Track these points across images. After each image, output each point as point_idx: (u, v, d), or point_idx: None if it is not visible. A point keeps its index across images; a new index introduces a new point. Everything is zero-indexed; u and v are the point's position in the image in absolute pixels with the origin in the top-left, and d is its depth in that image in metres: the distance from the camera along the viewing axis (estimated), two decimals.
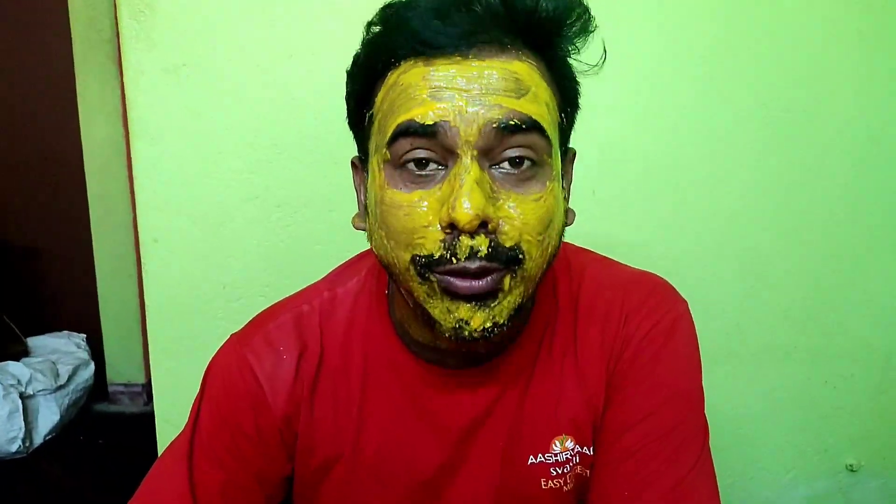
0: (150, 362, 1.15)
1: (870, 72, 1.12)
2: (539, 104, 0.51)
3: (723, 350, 1.22)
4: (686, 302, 0.66)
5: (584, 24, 0.53)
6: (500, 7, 0.50)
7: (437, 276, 0.50)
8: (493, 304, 0.50)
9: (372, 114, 0.54)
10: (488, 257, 0.49)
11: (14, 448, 2.17)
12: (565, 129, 0.57)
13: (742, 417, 1.27)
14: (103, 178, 2.35)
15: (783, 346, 1.23)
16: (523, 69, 0.51)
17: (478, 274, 0.49)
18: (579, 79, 0.57)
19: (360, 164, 0.59)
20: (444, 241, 0.49)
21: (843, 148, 1.14)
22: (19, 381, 2.18)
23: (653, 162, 1.12)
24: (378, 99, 0.53)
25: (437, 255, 0.50)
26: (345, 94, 0.58)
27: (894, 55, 1.12)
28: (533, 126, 0.50)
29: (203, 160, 1.06)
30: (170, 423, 1.14)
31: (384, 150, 0.52)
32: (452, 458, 0.62)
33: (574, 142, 0.61)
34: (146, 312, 1.14)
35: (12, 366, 2.21)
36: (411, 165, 0.51)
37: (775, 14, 1.09)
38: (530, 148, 0.51)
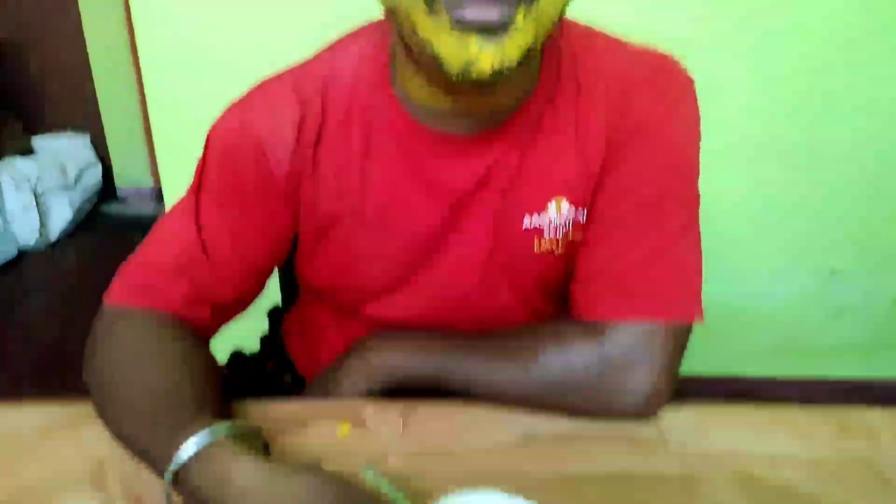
0: (155, 146, 1.16)
1: None
2: None
3: (728, 150, 1.23)
4: (692, 80, 0.65)
5: None
6: None
7: (448, 9, 0.48)
8: (504, 40, 0.49)
9: None
10: None
11: (32, 241, 2.27)
12: None
13: (736, 216, 1.31)
14: None
15: (783, 146, 1.24)
16: None
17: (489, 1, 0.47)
18: None
19: None
20: None
21: None
22: (29, 178, 2.22)
23: None
24: None
25: None
26: None
27: None
28: None
29: None
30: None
31: None
32: (448, 220, 0.64)
33: None
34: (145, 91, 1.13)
35: (20, 162, 2.23)
36: None
37: None
38: None
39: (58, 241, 2.38)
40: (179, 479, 0.49)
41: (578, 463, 0.58)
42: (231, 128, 0.63)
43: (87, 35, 2.34)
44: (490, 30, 0.48)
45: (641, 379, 0.60)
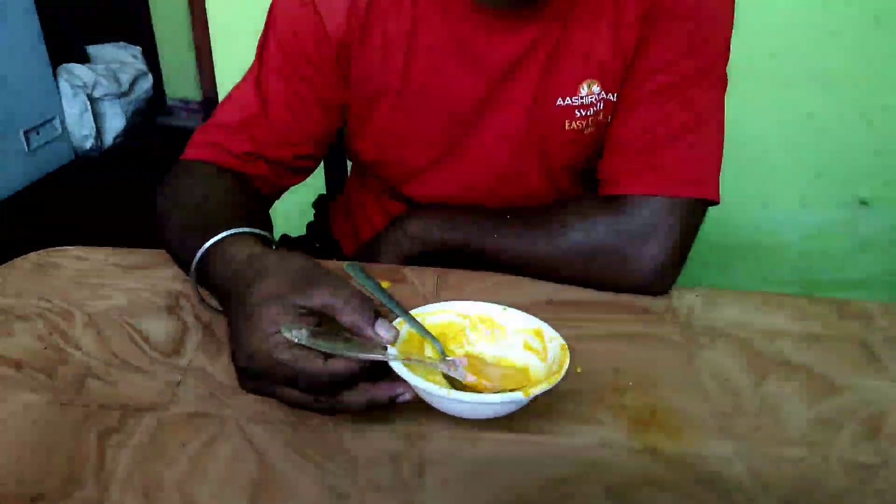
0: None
1: None
2: None
3: (763, 71, 1.24)
4: None
5: None
6: None
7: None
8: None
9: None
10: None
11: (88, 146, 2.38)
12: None
13: (765, 141, 1.32)
14: None
15: (806, 72, 1.23)
16: None
17: None
18: None
19: None
20: None
21: None
22: (85, 83, 2.31)
23: None
24: None
25: None
26: None
27: None
28: None
29: None
30: None
31: None
32: (489, 94, 0.69)
33: None
34: None
35: (77, 67, 2.32)
36: None
37: None
38: None
39: (112, 146, 2.48)
40: (203, 275, 0.55)
41: (594, 323, 0.65)
42: (290, 1, 0.68)
43: None
44: None
45: (656, 249, 0.65)
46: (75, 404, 0.52)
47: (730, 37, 0.67)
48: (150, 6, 2.49)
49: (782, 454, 0.52)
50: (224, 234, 0.54)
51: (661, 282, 0.67)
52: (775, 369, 0.60)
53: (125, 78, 2.45)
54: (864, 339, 0.65)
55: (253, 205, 0.68)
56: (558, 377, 0.49)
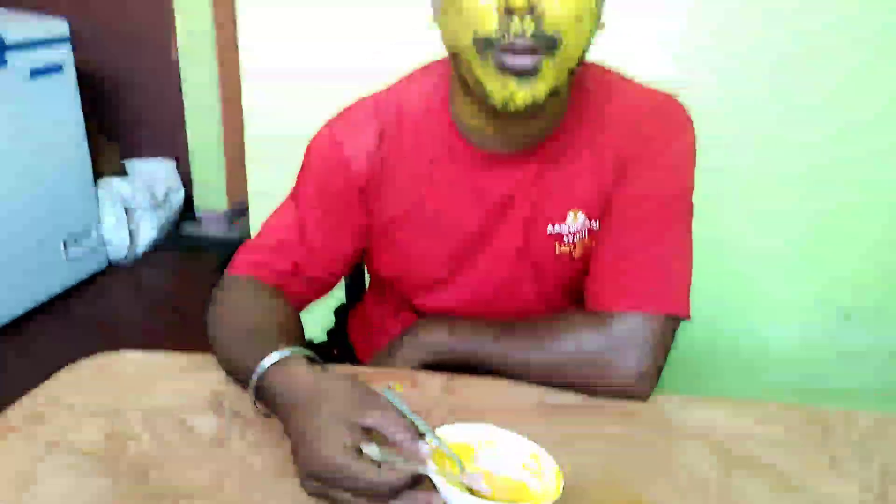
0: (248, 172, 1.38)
1: None
2: None
3: (735, 197, 1.37)
4: (690, 117, 0.81)
5: None
6: None
7: (493, 53, 0.66)
8: (534, 82, 0.67)
9: None
10: (533, 38, 0.65)
11: (122, 254, 2.54)
12: None
13: (747, 259, 1.44)
14: (190, 13, 2.53)
15: (791, 197, 1.37)
16: None
17: (524, 52, 0.66)
18: None
19: None
20: (499, 22, 0.65)
21: None
22: (123, 196, 2.51)
23: None
24: None
25: (494, 35, 0.65)
26: None
27: None
28: None
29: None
30: None
31: None
32: (489, 221, 0.82)
33: None
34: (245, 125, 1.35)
35: (116, 182, 2.52)
36: None
37: None
38: None
39: (143, 255, 2.65)
40: (261, 388, 0.65)
41: (581, 426, 0.73)
42: (323, 143, 0.83)
43: (182, 75, 2.65)
44: (524, 74, 0.67)
45: (636, 359, 0.75)
46: (136, 491, 0.61)
47: (693, 174, 0.80)
48: (187, 126, 2.72)
49: None
50: (285, 351, 0.65)
51: (641, 387, 0.76)
52: (741, 465, 0.69)
53: (160, 191, 2.65)
54: (822, 441, 0.73)
55: (294, 322, 0.79)
56: (557, 496, 0.57)
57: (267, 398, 0.66)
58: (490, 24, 0.66)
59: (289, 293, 0.82)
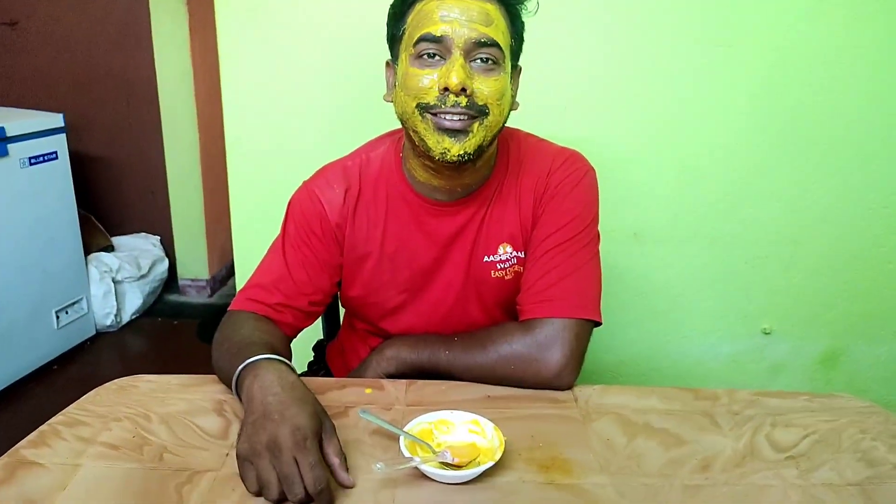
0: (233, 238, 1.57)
1: None
2: (498, 31, 0.88)
3: (664, 234, 1.59)
4: (594, 169, 1.03)
5: None
6: None
7: (432, 115, 0.87)
8: (465, 139, 0.88)
9: (404, 28, 0.91)
10: (466, 107, 0.86)
11: (108, 322, 2.68)
12: (515, 50, 0.93)
13: (677, 289, 1.64)
14: (173, 102, 2.77)
15: (710, 233, 1.59)
16: (492, 8, 0.88)
17: (457, 116, 0.86)
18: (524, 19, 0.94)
19: (392, 63, 0.96)
20: (438, 97, 0.87)
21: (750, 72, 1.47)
22: (111, 269, 2.66)
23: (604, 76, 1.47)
24: (409, 19, 0.90)
25: (433, 103, 0.87)
26: (386, 18, 0.94)
27: None
28: (493, 43, 0.87)
29: (282, 81, 1.45)
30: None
31: (411, 48, 0.88)
32: (439, 256, 1.01)
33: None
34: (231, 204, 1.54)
35: (105, 256, 2.68)
36: (425, 56, 0.87)
37: None
38: (492, 54, 0.87)
39: (129, 322, 2.79)
40: (238, 389, 0.81)
41: (518, 410, 0.91)
42: (303, 196, 1.02)
43: (167, 158, 2.86)
44: (457, 133, 0.88)
45: (558, 356, 0.93)
46: (158, 469, 0.77)
47: (596, 211, 1.01)
48: (171, 203, 2.92)
49: (642, 482, 0.77)
50: (261, 357, 0.82)
51: (563, 379, 0.94)
52: (642, 432, 0.86)
53: (145, 263, 2.81)
54: (708, 411, 0.92)
55: (280, 342, 0.96)
56: (503, 449, 0.76)
57: (242, 396, 0.81)
58: (431, 97, 0.87)
59: (279, 322, 0.99)
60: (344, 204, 1.01)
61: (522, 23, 0.94)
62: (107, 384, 0.95)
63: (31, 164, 2.27)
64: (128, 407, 0.89)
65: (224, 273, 3.18)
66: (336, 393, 0.95)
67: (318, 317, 1.06)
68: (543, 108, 1.44)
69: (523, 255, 1.02)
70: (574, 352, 0.94)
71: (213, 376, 0.96)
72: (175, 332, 2.82)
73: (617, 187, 1.50)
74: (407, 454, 0.75)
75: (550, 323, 0.95)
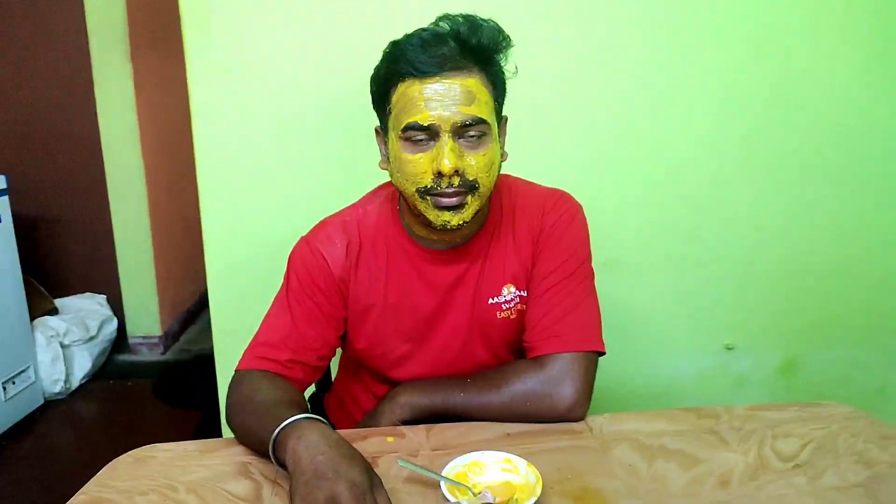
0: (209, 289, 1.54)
1: None
2: (482, 105, 0.92)
3: (632, 261, 1.67)
4: (581, 205, 1.09)
5: (506, 43, 0.95)
6: (459, 44, 0.91)
7: (431, 197, 0.92)
8: (461, 211, 0.92)
9: (390, 108, 0.94)
10: (459, 186, 0.90)
11: (57, 389, 2.55)
12: (499, 109, 0.98)
13: (647, 311, 1.73)
14: (119, 158, 2.70)
15: (674, 257, 1.69)
16: (473, 83, 0.91)
17: (452, 195, 0.91)
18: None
19: (382, 131, 1.00)
20: (434, 179, 0.91)
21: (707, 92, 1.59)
22: (58, 333, 2.54)
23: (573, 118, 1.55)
24: (393, 99, 0.93)
25: (430, 187, 0.91)
26: (370, 83, 0.98)
27: None
28: (479, 121, 0.91)
29: (251, 134, 1.46)
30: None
31: (400, 132, 0.92)
32: (441, 303, 1.04)
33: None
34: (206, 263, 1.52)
35: (50, 320, 2.56)
36: (414, 140, 0.91)
37: None
38: (478, 130, 0.92)
39: (78, 387, 2.65)
40: (277, 451, 0.81)
41: (539, 444, 0.94)
42: (305, 251, 1.04)
43: (113, 213, 2.78)
44: (454, 208, 0.92)
45: (571, 389, 0.98)
46: None
47: (588, 246, 1.07)
48: (118, 259, 2.83)
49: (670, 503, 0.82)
50: (296, 417, 0.82)
51: (577, 411, 0.98)
52: (659, 454, 0.91)
53: (93, 324, 2.70)
54: (713, 429, 0.98)
55: (302, 399, 0.96)
56: (540, 484, 0.79)
57: (283, 457, 0.80)
58: (426, 181, 0.92)
59: (291, 379, 1.00)
60: (346, 258, 1.03)
61: (504, 83, 0.98)
62: (121, 457, 0.93)
63: None
64: (150, 479, 0.87)
65: (177, 328, 3.08)
66: (360, 444, 0.95)
67: (323, 371, 1.07)
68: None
69: (525, 294, 1.06)
70: (585, 383, 0.99)
71: (229, 439, 0.95)
72: (128, 393, 2.71)
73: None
74: (453, 499, 0.77)
75: (560, 358, 0.99)
